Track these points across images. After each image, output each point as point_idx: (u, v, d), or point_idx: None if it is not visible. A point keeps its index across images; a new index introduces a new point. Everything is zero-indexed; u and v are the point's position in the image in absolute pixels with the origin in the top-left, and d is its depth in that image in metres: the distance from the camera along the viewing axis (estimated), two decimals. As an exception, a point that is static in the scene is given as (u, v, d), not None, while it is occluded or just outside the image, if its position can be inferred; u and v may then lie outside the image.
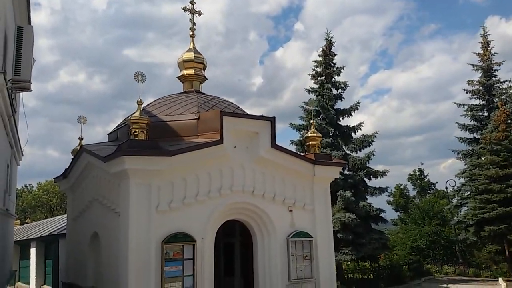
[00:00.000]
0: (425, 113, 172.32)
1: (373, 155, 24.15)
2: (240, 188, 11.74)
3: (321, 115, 24.61)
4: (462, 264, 29.18)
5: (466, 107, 30.21)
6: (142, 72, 10.61)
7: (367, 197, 24.26)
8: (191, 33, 15.84)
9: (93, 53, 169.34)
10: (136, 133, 10.38)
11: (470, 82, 30.35)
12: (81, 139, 14.89)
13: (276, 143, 12.17)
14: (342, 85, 25.65)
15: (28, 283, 20.91)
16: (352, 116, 25.40)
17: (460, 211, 31.06)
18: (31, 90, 10.83)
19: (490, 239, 25.43)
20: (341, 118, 25.39)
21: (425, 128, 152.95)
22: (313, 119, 15.44)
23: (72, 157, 14.57)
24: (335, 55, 26.04)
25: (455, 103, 30.95)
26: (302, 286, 12.28)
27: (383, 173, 24.38)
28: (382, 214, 24.29)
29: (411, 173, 51.18)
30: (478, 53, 30.61)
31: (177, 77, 15.89)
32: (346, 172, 23.50)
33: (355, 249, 22.16)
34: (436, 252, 33.99)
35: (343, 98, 25.70)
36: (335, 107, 25.31)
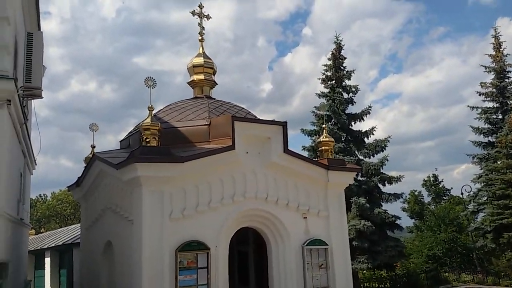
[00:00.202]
0: (436, 117, 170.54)
1: (387, 160, 23.76)
2: (253, 195, 11.58)
3: (333, 120, 24.33)
4: (481, 272, 28.44)
5: (479, 110, 29.55)
6: (152, 78, 10.58)
7: (382, 203, 23.84)
8: (200, 37, 15.80)
9: (103, 62, 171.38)
10: (148, 140, 10.31)
11: (482, 85, 29.72)
12: (93, 147, 14.88)
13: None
14: (353, 89, 25.32)
15: (43, 293, 20.90)
16: (364, 120, 25.07)
17: (477, 217, 30.40)
18: (42, 97, 10.81)
19: (509, 246, 24.76)
20: (352, 123, 25.06)
21: (436, 133, 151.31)
22: (325, 124, 15.21)
23: (85, 165, 14.56)
24: (345, 58, 25.76)
25: (468, 106, 30.44)
26: (318, 295, 12.01)
27: (398, 179, 23.95)
28: (398, 221, 23.84)
29: (425, 179, 50.43)
30: (490, 55, 30.01)
31: (187, 83, 15.84)
32: (359, 178, 23.15)
33: (371, 257, 21.74)
34: (453, 260, 33.24)
35: (354, 102, 25.40)
36: (347, 111, 24.98)
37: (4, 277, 9.47)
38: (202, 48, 15.84)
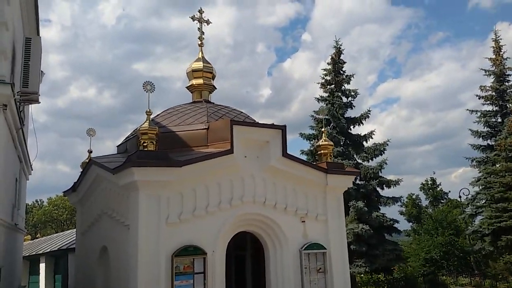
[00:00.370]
0: (434, 121, 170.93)
1: (386, 164, 23.76)
2: (251, 199, 11.48)
3: (331, 124, 24.35)
4: (478, 275, 28.43)
5: (479, 113, 29.71)
6: (151, 82, 10.49)
7: (380, 207, 23.81)
8: (199, 42, 15.71)
9: (102, 68, 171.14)
10: (145, 144, 10.21)
11: (482, 88, 29.88)
12: (90, 151, 14.77)
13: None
14: (352, 93, 25.38)
15: (38, 298, 20.71)
16: (363, 124, 25.11)
17: (474, 221, 30.42)
18: (39, 102, 10.77)
19: (508, 249, 24.74)
20: (351, 127, 25.08)
21: (434, 137, 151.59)
22: (324, 127, 15.17)
23: (81, 170, 14.44)
24: (345, 63, 25.85)
25: (467, 109, 30.54)
26: (316, 300, 11.90)
27: (396, 183, 23.93)
28: (396, 225, 23.80)
29: (423, 182, 50.52)
30: (490, 58, 30.14)
31: (186, 87, 15.75)
32: (358, 181, 23.10)
33: (368, 261, 21.70)
34: (450, 263, 33.25)
35: (353, 106, 25.44)
36: (346, 115, 25.02)
37: (-3, 283, 9.36)
38: (202, 53, 15.76)
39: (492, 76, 29.86)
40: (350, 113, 25.45)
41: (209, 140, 11.95)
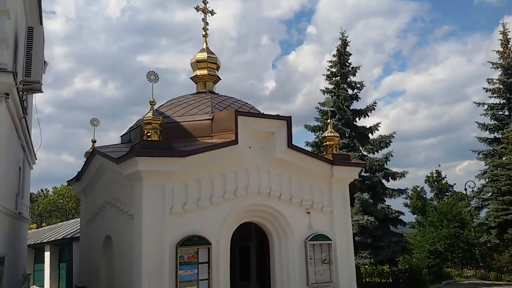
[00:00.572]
0: (439, 115, 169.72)
1: (391, 156, 23.58)
2: (256, 190, 11.40)
3: (337, 116, 24.15)
4: (483, 267, 28.35)
5: (486, 106, 29.32)
6: (154, 72, 10.37)
7: (385, 199, 23.68)
8: (203, 33, 15.55)
9: (107, 60, 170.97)
10: (149, 134, 10.12)
11: (489, 81, 29.46)
12: (94, 141, 14.71)
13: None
14: (358, 85, 25.11)
15: (43, 286, 20.85)
16: (368, 116, 24.89)
17: (479, 213, 30.26)
18: (42, 92, 10.65)
19: (514, 242, 24.63)
20: (357, 119, 24.86)
21: (439, 130, 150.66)
22: (330, 119, 15.01)
23: (85, 159, 14.40)
24: (350, 54, 25.56)
25: (474, 102, 30.20)
26: (321, 291, 11.86)
27: (402, 175, 23.76)
28: (401, 217, 23.68)
29: (428, 175, 50.22)
30: (498, 51, 29.70)
31: (190, 78, 15.62)
32: (363, 173, 22.94)
33: (373, 252, 21.62)
34: (454, 255, 33.18)
35: (359, 98, 25.18)
36: (351, 107, 24.80)
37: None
38: (206, 43, 15.60)
39: (499, 69, 29.43)
40: (356, 105, 25.25)
41: (214, 131, 11.85)
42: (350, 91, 25.14)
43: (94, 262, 13.27)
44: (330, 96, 24.60)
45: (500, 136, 28.02)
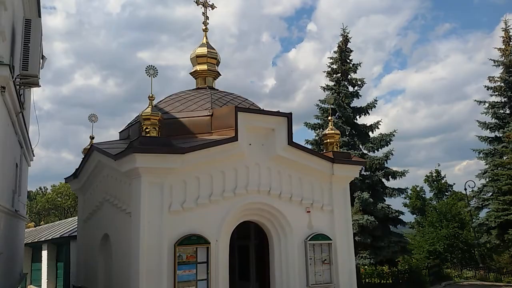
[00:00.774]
0: (439, 114, 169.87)
1: (392, 154, 23.37)
2: (256, 188, 11.24)
3: (337, 113, 23.91)
4: (482, 268, 28.21)
5: (487, 104, 29.03)
6: (153, 66, 10.20)
7: (385, 198, 23.49)
8: (204, 27, 15.35)
9: (107, 56, 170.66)
10: (147, 130, 9.95)
11: (491, 79, 29.18)
12: (92, 137, 14.51)
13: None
14: (359, 82, 24.86)
15: (40, 286, 20.66)
16: (369, 114, 24.64)
17: (479, 214, 30.09)
18: (39, 86, 10.50)
19: (515, 242, 24.46)
20: (357, 117, 24.64)
21: (439, 129, 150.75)
22: (331, 116, 14.83)
23: (83, 156, 14.20)
24: (351, 51, 25.31)
25: (475, 100, 29.87)
26: (321, 291, 11.70)
27: (402, 174, 23.56)
28: (401, 216, 23.50)
29: (428, 174, 50.12)
30: (499, 48, 29.45)
31: (190, 73, 15.41)
32: (363, 172, 22.76)
33: (373, 252, 21.45)
34: (454, 256, 33.06)
35: (360, 95, 24.94)
36: (351, 105, 24.57)
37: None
38: (206, 38, 15.39)
39: (501, 67, 29.18)
40: (356, 103, 25.02)
41: (213, 127, 11.68)
42: (350, 88, 24.88)
43: (92, 261, 13.09)
44: (330, 93, 24.36)
45: (501, 135, 27.75)
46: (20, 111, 10.60)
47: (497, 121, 28.65)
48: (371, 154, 23.79)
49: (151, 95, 10.23)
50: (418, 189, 49.51)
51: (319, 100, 24.90)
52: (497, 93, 29.00)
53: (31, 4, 11.91)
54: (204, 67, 15.03)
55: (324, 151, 13.36)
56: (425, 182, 49.80)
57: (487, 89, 29.28)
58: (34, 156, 16.66)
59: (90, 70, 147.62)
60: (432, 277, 24.31)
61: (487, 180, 27.62)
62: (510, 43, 29.31)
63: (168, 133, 10.77)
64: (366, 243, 21.24)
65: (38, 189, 65.42)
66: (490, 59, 29.71)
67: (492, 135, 28.86)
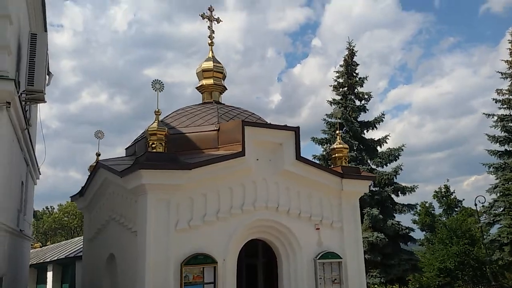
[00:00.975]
0: (445, 128, 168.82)
1: (401, 169, 23.07)
2: (264, 204, 10.98)
3: (344, 128, 23.73)
4: (495, 286, 27.47)
5: (495, 117, 28.65)
6: (159, 81, 10.11)
7: (395, 214, 23.07)
8: (209, 41, 15.31)
9: (114, 74, 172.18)
10: (154, 145, 9.79)
11: (499, 92, 28.89)
12: (98, 154, 14.38)
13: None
14: (366, 96, 24.72)
15: (44, 307, 20.31)
16: (376, 128, 24.45)
17: (490, 230, 29.45)
18: (45, 102, 10.42)
19: (528, 259, 23.84)
20: (365, 131, 24.41)
21: (446, 144, 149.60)
22: (339, 130, 14.63)
23: (89, 173, 14.05)
24: (358, 65, 25.25)
25: (483, 113, 29.56)
26: (331, 312, 11.32)
27: (412, 189, 23.21)
28: (411, 233, 23.05)
29: (437, 190, 49.47)
30: (507, 60, 29.26)
31: (196, 88, 15.32)
32: (372, 188, 22.44)
33: (384, 271, 20.98)
34: (465, 273, 32.30)
35: (367, 109, 24.77)
36: (359, 119, 24.38)
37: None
38: (212, 52, 15.35)
39: (508, 79, 28.98)
40: (363, 117, 24.84)
41: (220, 142, 11.50)
42: (357, 102, 24.75)
43: (97, 281, 12.79)
44: (337, 107, 24.20)
45: (511, 148, 27.36)
46: (25, 127, 10.50)
47: (507, 134, 28.22)
48: (379, 169, 23.51)
49: (157, 109, 10.11)
50: (427, 205, 48.83)
51: (326, 115, 24.77)
52: (505, 106, 28.68)
53: (37, 18, 11.94)
54: (210, 81, 14.95)
55: (333, 166, 13.13)
56: (434, 198, 49.12)
57: (495, 102, 28.99)
58: (40, 174, 16.53)
59: (97, 88, 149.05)
60: (444, 296, 23.70)
61: (498, 195, 27.11)
62: (517, 55, 29.10)
63: (174, 149, 10.61)
64: (376, 261, 20.80)
65: (45, 209, 65.24)
66: (498, 71, 29.54)
67: (502, 149, 28.42)
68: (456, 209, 47.34)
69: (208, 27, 15.24)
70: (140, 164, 9.35)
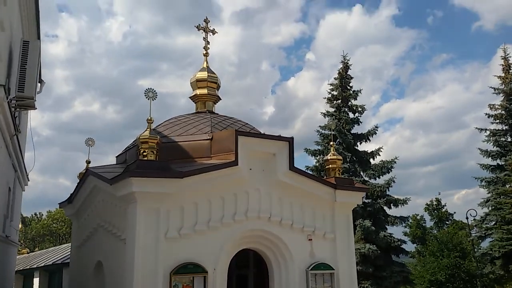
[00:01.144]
0: (437, 143, 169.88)
1: (393, 181, 23.10)
2: (256, 214, 10.86)
3: (338, 140, 23.79)
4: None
5: (488, 132, 28.99)
6: (152, 89, 10.01)
7: (387, 227, 23.05)
8: (204, 52, 15.33)
9: (107, 84, 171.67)
10: (145, 153, 9.66)
11: (491, 106, 29.29)
12: (88, 162, 14.19)
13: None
14: (359, 109, 24.90)
15: (30, 315, 19.92)
16: (370, 141, 24.56)
17: (480, 243, 29.51)
18: (35, 108, 10.28)
19: (520, 273, 23.87)
20: (358, 143, 24.49)
21: (437, 158, 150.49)
22: (332, 142, 14.61)
23: (78, 181, 13.85)
24: (352, 78, 25.45)
25: (476, 127, 29.89)
26: (323, 324, 11.18)
27: (404, 201, 23.23)
28: (403, 245, 23.02)
29: (428, 203, 49.61)
30: (499, 76, 29.67)
31: (190, 97, 15.27)
32: (364, 200, 22.41)
33: (375, 282, 20.90)
34: (456, 286, 32.23)
35: (360, 122, 24.91)
36: (352, 131, 24.48)
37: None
38: (207, 63, 15.34)
39: (501, 95, 29.34)
40: (357, 129, 24.97)
41: (213, 151, 11.40)
42: (351, 115, 24.91)
43: (84, 289, 12.56)
44: (331, 119, 24.31)
45: (503, 163, 27.59)
46: (14, 133, 10.35)
47: (499, 149, 28.50)
48: (372, 181, 23.53)
49: (149, 118, 10.00)
50: (418, 217, 48.91)
51: (320, 126, 24.87)
52: (498, 120, 29.01)
53: (30, 27, 11.85)
54: (204, 91, 14.90)
55: (326, 177, 13.06)
56: (426, 211, 49.31)
57: (488, 117, 29.34)
58: (29, 180, 16.32)
59: (90, 97, 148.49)
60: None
61: (490, 208, 27.24)
62: (510, 71, 29.50)
63: (166, 157, 10.48)
64: (368, 273, 20.72)
65: (34, 215, 64.55)
66: (490, 87, 29.96)
67: (494, 163, 28.68)
68: (447, 222, 47.48)
69: (204, 38, 15.28)
70: (130, 171, 9.22)
